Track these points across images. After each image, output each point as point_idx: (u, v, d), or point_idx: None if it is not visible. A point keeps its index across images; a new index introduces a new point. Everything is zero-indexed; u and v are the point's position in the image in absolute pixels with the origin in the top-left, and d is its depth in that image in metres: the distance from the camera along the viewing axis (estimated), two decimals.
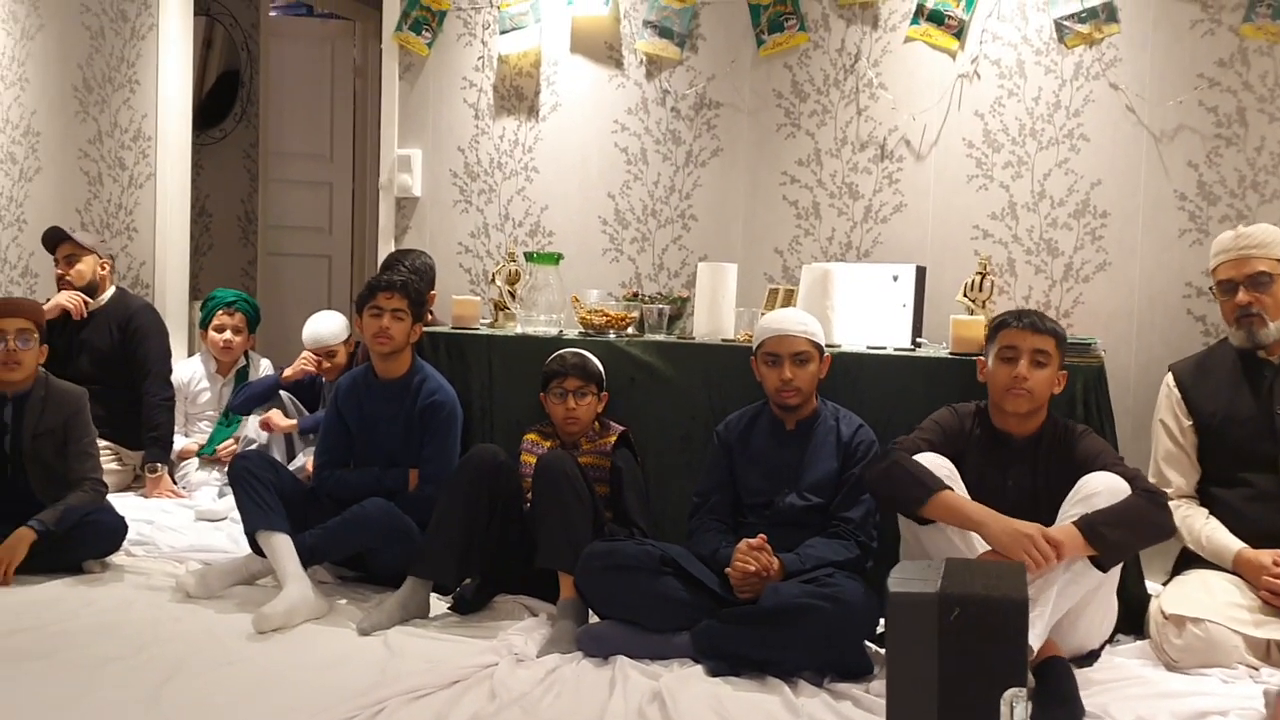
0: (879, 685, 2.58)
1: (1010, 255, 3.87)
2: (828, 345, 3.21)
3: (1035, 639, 2.43)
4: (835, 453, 3.04)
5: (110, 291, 4.73)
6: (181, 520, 4.14)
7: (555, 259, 3.90)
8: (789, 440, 3.09)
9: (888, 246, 4.01)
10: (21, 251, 5.47)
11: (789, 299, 3.68)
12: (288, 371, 4.40)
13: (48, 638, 2.86)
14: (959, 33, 3.88)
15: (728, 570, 2.85)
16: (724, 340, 3.61)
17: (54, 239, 4.69)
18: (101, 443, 3.89)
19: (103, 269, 4.73)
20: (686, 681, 2.62)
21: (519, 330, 3.87)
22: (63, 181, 5.41)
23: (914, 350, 3.48)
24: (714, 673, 2.69)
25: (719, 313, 3.65)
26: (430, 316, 3.96)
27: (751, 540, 2.85)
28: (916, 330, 3.59)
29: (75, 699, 2.46)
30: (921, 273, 3.66)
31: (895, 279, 3.62)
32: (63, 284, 4.63)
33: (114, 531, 3.55)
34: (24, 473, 3.53)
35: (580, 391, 3.41)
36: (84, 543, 3.47)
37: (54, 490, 3.51)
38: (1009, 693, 1.94)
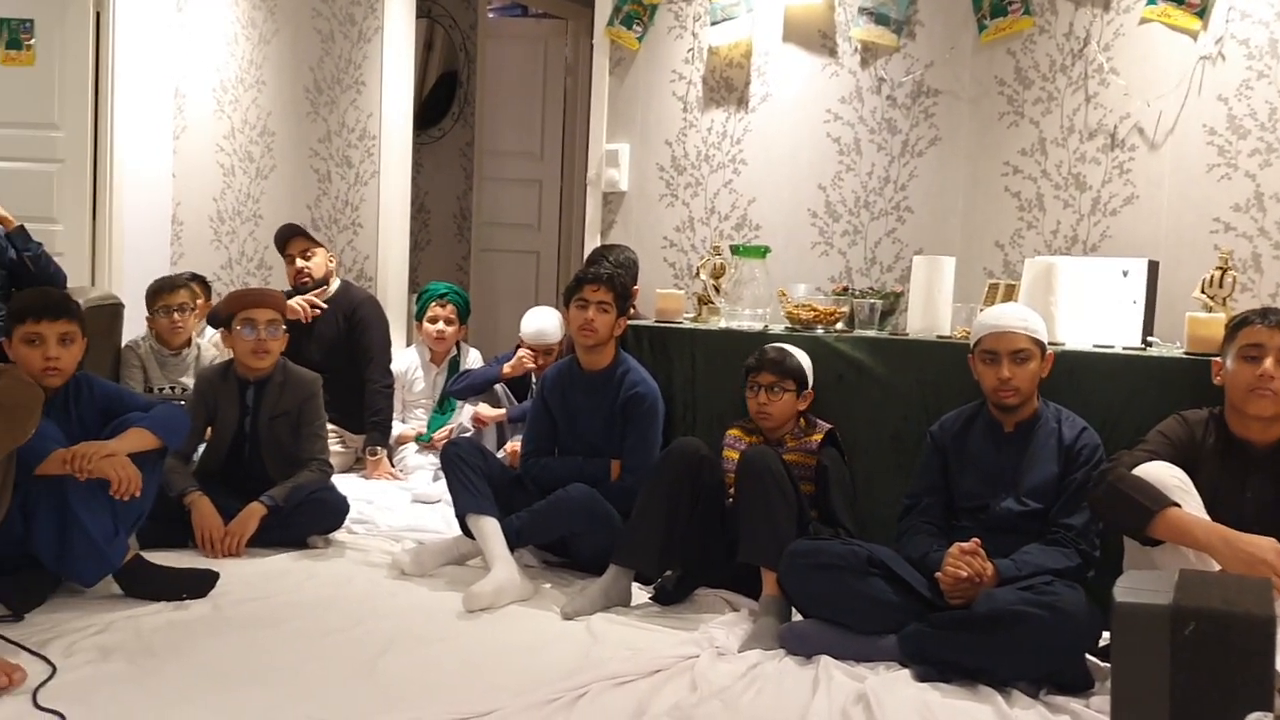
0: (1100, 700, 2.44)
1: (1256, 250, 3.59)
2: (1051, 343, 3.05)
3: None
4: (1056, 456, 2.88)
5: (336, 284, 4.97)
6: (398, 501, 4.33)
7: (762, 252, 3.86)
8: (1007, 443, 2.95)
9: (1117, 240, 3.78)
10: (258, 245, 5.82)
11: (1010, 294, 3.52)
12: (507, 368, 4.54)
13: (275, 608, 3.02)
14: (1201, 11, 3.62)
15: (938, 575, 2.74)
16: (939, 337, 3.48)
17: (289, 234, 4.94)
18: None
19: (330, 262, 4.98)
20: (893, 685, 2.54)
21: (723, 325, 3.84)
22: (295, 179, 5.72)
23: (1145, 350, 3.27)
24: (922, 678, 2.60)
25: (935, 308, 3.52)
26: (633, 311, 3.99)
27: (964, 544, 2.74)
28: (1148, 329, 3.37)
29: (298, 666, 2.58)
30: (1154, 268, 3.43)
31: (1125, 274, 3.41)
32: (299, 278, 4.88)
33: (337, 510, 3.72)
34: (259, 452, 3.75)
35: (774, 387, 3.34)
36: (309, 519, 3.66)
37: (284, 469, 3.72)
38: (1252, 718, 1.79)
